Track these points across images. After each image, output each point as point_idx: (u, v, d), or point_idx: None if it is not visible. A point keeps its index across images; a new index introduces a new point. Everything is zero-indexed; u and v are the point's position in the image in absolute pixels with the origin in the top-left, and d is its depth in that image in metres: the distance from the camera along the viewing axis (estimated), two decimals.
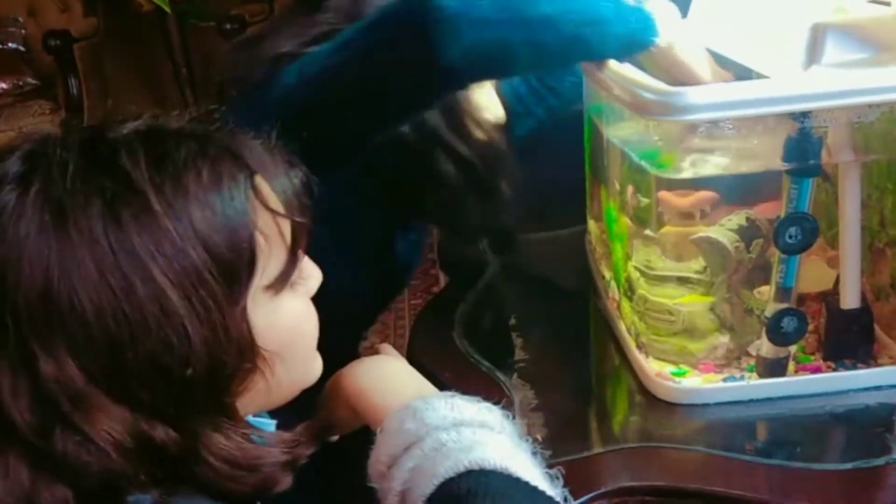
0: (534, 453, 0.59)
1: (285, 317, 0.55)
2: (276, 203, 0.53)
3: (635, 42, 0.81)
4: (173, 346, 0.47)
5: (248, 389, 0.53)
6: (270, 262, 0.53)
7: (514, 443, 0.58)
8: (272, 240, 0.52)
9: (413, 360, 1.01)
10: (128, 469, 0.47)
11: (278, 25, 0.96)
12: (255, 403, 0.56)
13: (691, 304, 0.88)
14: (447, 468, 0.53)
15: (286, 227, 0.54)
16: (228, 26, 2.88)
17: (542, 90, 1.14)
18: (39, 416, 0.46)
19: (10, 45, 3.13)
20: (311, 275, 0.58)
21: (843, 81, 0.74)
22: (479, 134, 0.97)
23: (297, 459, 0.56)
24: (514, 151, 1.04)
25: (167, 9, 3.10)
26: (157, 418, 0.48)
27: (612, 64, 0.82)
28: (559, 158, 1.19)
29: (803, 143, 0.79)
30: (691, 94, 0.73)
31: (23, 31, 3.15)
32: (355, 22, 0.84)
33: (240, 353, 0.51)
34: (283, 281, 0.54)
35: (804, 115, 0.78)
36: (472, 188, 0.98)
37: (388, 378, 0.64)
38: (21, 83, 3.03)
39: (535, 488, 0.53)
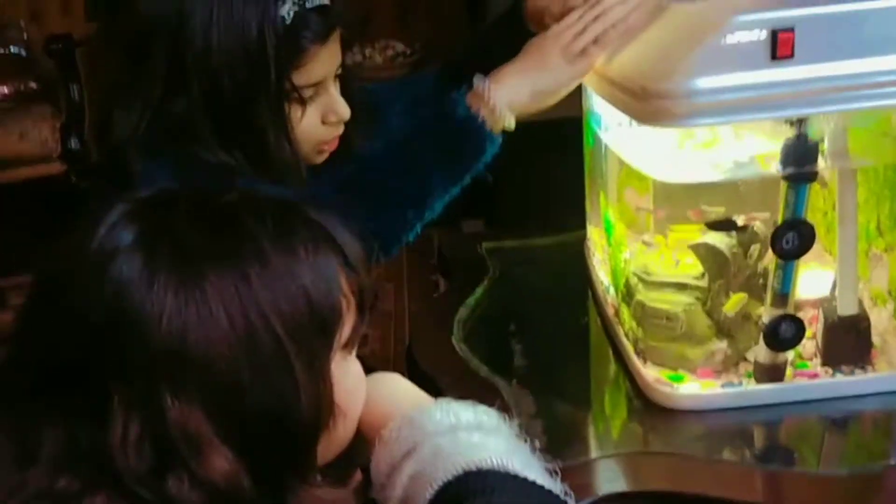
0: (533, 451, 0.60)
1: (352, 376, 0.60)
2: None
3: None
4: (285, 393, 0.52)
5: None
6: (346, 322, 0.58)
7: (511, 442, 0.59)
8: (349, 301, 0.58)
9: (412, 365, 1.02)
10: None
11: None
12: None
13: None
14: (445, 471, 0.54)
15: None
16: None
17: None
18: (152, 459, 0.50)
19: (11, 49, 3.13)
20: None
21: (839, 87, 0.74)
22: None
23: None
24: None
25: None
26: (255, 468, 0.52)
27: (611, 70, 0.83)
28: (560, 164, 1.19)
29: (800, 149, 0.80)
30: (690, 101, 0.74)
31: (24, 36, 3.16)
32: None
33: (329, 405, 0.55)
34: (354, 340, 0.59)
35: (800, 120, 0.78)
36: None
37: (385, 392, 0.66)
38: (22, 87, 3.03)
39: (533, 483, 0.54)
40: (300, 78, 0.89)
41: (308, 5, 0.88)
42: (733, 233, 0.90)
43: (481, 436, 0.58)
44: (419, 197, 0.89)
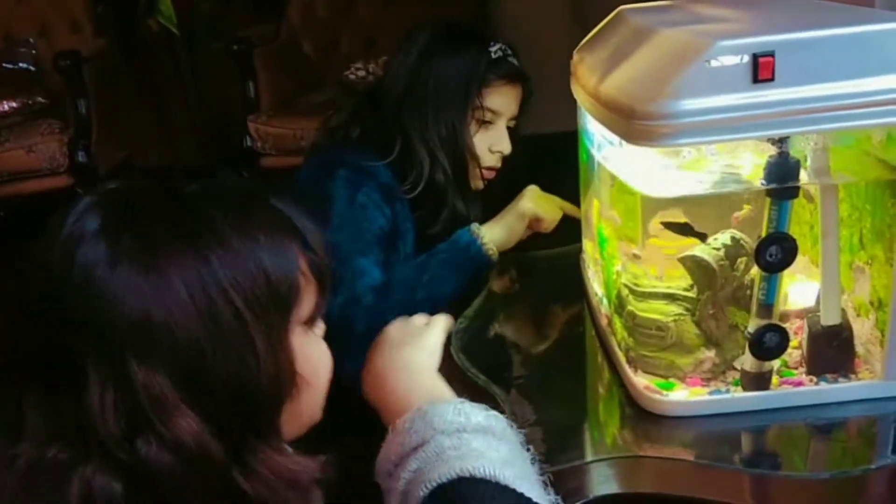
0: (534, 461, 0.63)
1: (314, 350, 0.64)
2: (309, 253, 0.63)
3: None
4: (245, 360, 0.56)
5: (283, 413, 0.60)
6: (306, 298, 0.62)
7: (513, 451, 0.62)
8: (308, 280, 0.62)
9: None
10: (191, 476, 0.55)
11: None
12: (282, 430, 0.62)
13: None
14: (441, 474, 0.58)
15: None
16: (236, 47, 2.93)
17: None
18: (125, 423, 0.54)
19: (21, 64, 3.18)
20: (321, 325, 0.67)
21: (818, 108, 0.78)
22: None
23: (327, 478, 0.62)
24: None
25: (175, 30, 3.16)
26: (220, 432, 0.56)
27: (600, 92, 0.87)
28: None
29: (782, 166, 0.83)
30: (675, 121, 0.77)
31: (33, 52, 3.21)
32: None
33: (289, 374, 0.59)
34: (315, 316, 0.63)
35: (782, 139, 0.82)
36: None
37: (407, 373, 0.70)
38: (31, 102, 3.08)
39: (521, 495, 0.57)
40: (485, 100, 1.26)
41: (509, 57, 1.29)
42: (721, 247, 0.93)
43: (485, 440, 0.61)
44: (437, 301, 1.19)
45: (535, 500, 0.57)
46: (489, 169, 1.30)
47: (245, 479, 0.56)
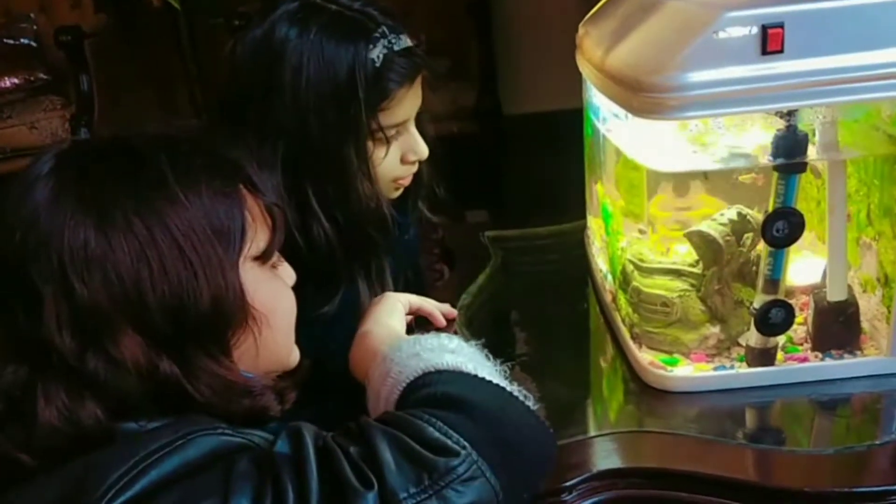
0: (494, 366, 0.70)
1: (268, 285, 0.68)
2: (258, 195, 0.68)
3: None
4: (187, 288, 0.61)
5: (241, 343, 0.65)
6: (257, 237, 0.66)
7: (470, 357, 0.69)
8: (257, 219, 0.66)
9: None
10: (142, 391, 0.59)
11: None
12: (245, 361, 0.66)
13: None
14: (408, 376, 0.67)
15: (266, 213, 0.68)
16: (237, 22, 2.90)
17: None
18: (76, 340, 0.59)
19: (22, 40, 3.16)
20: (287, 270, 0.72)
21: (827, 80, 0.76)
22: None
23: (284, 391, 0.68)
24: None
25: (176, 5, 3.13)
26: (165, 350, 0.60)
27: (607, 64, 0.86)
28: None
29: (790, 140, 0.82)
30: (683, 94, 0.76)
31: (34, 27, 3.19)
32: None
33: (235, 302, 0.63)
34: (267, 254, 0.67)
35: (790, 113, 0.81)
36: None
37: (373, 342, 0.78)
38: (33, 78, 3.06)
39: (483, 378, 0.65)
40: (385, 118, 0.93)
41: (395, 48, 0.92)
42: (727, 222, 0.92)
43: (441, 354, 0.68)
44: None
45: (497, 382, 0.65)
46: (404, 178, 1.01)
47: (196, 390, 0.61)
